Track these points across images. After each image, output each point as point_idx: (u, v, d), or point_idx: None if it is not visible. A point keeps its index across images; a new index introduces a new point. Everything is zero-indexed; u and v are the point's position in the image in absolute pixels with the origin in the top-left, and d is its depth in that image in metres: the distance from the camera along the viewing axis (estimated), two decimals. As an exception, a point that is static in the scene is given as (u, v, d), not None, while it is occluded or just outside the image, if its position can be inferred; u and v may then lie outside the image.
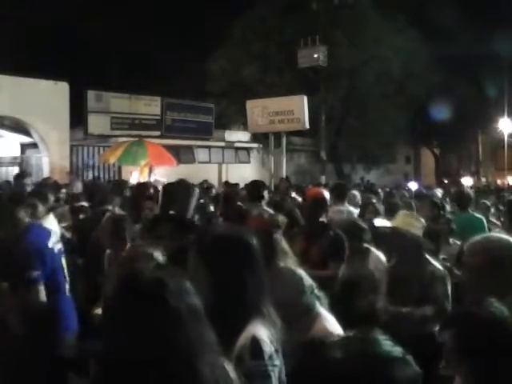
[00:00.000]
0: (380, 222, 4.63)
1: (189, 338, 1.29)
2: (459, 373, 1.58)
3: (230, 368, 1.43)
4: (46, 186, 8.15)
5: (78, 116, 17.25)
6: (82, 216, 5.69)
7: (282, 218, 4.12)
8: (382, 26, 22.19)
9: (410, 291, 3.43)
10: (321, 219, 4.48)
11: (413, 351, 1.07)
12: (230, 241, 1.88)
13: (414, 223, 3.64)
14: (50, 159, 15.86)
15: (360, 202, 6.64)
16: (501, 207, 7.98)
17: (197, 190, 4.42)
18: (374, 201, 6.48)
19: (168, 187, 4.57)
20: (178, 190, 4.29)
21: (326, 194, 4.84)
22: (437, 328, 1.83)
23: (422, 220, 3.79)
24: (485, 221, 5.87)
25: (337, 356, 0.99)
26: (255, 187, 5.98)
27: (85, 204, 6.10)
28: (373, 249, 4.22)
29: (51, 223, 4.03)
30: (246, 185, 7.04)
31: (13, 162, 17.62)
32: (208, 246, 1.87)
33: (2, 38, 19.25)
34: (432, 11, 23.68)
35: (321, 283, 2.75)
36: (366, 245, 4.25)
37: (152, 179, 11.25)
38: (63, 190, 8.10)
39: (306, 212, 4.84)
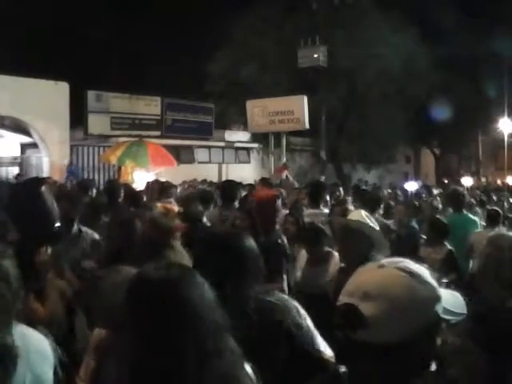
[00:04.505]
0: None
1: (205, 334, 1.30)
2: None
3: (247, 365, 1.45)
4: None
5: (78, 116, 17.26)
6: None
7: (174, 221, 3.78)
8: (382, 26, 22.17)
9: None
10: (271, 225, 3.83)
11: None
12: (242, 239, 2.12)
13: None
14: (50, 159, 15.87)
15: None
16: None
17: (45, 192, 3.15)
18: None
19: (12, 191, 3.28)
20: (25, 194, 3.06)
21: (278, 198, 4.06)
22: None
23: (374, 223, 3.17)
24: (478, 222, 5.80)
25: None
26: (228, 188, 5.77)
27: None
28: (334, 252, 3.87)
29: None
30: (221, 184, 6.87)
31: (13, 162, 17.64)
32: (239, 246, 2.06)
33: (2, 38, 19.24)
34: (432, 11, 23.68)
35: None
36: (327, 248, 4.02)
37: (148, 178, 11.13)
38: None
39: (254, 216, 4.04)
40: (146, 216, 3.36)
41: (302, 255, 4.13)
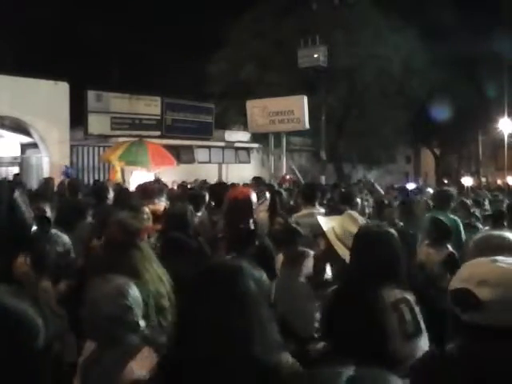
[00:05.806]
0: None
1: (251, 323, 1.39)
2: None
3: (288, 356, 1.54)
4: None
5: (78, 116, 17.24)
6: None
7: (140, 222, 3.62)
8: (381, 26, 22.19)
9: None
10: (245, 225, 3.67)
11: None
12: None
13: (352, 227, 2.94)
14: (50, 159, 15.86)
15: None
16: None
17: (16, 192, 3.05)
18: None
19: None
20: None
21: (253, 196, 3.90)
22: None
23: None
24: (460, 223, 5.63)
25: None
26: (217, 191, 5.56)
27: None
28: (310, 251, 3.79)
29: None
30: (210, 186, 6.80)
31: (13, 162, 17.62)
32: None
33: (2, 38, 19.23)
34: (432, 11, 23.68)
35: None
36: (301, 248, 3.90)
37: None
38: None
39: (225, 217, 3.95)
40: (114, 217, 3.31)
41: (280, 257, 3.99)
